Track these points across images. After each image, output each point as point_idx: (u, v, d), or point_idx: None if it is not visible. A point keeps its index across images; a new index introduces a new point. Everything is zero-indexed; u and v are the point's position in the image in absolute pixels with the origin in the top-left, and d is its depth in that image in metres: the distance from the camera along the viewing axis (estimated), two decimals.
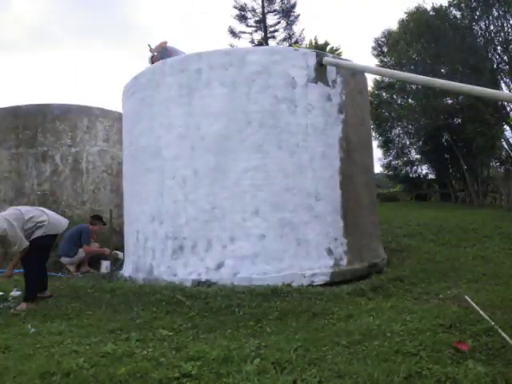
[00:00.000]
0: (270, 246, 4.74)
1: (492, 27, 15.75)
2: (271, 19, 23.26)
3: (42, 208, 5.03)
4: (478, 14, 15.74)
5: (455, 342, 2.75)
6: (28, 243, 4.44)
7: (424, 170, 23.88)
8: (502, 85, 16.28)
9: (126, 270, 5.77)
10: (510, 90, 15.79)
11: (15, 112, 8.03)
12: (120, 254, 6.56)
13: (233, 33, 23.13)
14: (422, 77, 4.97)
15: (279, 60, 5.01)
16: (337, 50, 16.79)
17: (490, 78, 14.73)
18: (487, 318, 3.16)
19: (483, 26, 15.98)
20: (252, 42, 23.15)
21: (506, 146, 18.25)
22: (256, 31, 23.40)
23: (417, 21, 17.09)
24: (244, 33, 23.31)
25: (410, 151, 23.87)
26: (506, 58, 15.75)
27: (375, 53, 21.95)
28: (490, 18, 15.60)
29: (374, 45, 21.91)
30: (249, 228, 4.76)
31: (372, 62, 22.98)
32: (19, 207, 4.82)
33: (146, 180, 5.40)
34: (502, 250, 6.80)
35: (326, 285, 4.62)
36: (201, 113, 5.01)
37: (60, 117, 8.02)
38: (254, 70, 4.95)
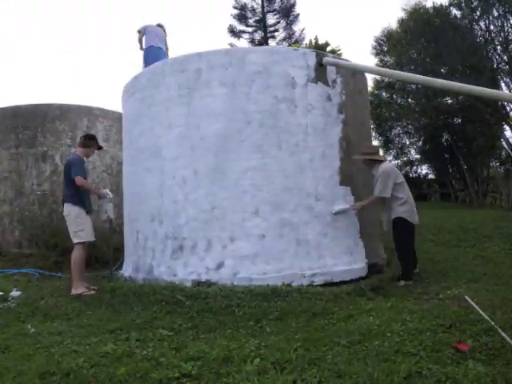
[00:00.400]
0: (270, 246, 4.74)
1: (492, 27, 15.78)
2: (271, 19, 23.31)
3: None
4: (478, 13, 15.75)
5: (455, 341, 2.75)
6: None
7: (424, 169, 23.93)
8: (502, 85, 16.30)
9: (126, 270, 5.77)
10: (510, 90, 15.80)
11: (15, 112, 8.03)
12: (109, 193, 5.64)
13: (233, 32, 23.16)
14: (421, 77, 4.98)
15: (279, 60, 5.01)
16: (337, 50, 16.76)
17: (490, 78, 14.74)
18: (487, 318, 3.16)
19: (483, 26, 16.00)
20: (252, 41, 23.18)
21: (505, 146, 18.28)
22: (256, 31, 23.44)
23: (417, 20, 17.10)
24: (244, 32, 23.36)
25: (409, 151, 23.92)
26: (505, 57, 15.76)
27: (375, 52, 21.98)
28: (490, 17, 15.62)
29: (374, 44, 21.94)
30: (249, 228, 4.76)
31: (372, 61, 22.98)
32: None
33: (146, 180, 5.40)
34: (502, 249, 6.81)
35: (325, 285, 4.62)
36: (201, 113, 5.01)
37: (60, 117, 8.02)
38: (253, 70, 4.95)
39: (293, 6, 22.99)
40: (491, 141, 17.88)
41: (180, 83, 5.13)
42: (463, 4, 15.80)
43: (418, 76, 5.16)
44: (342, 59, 5.93)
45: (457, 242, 7.62)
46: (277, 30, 23.37)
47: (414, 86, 17.93)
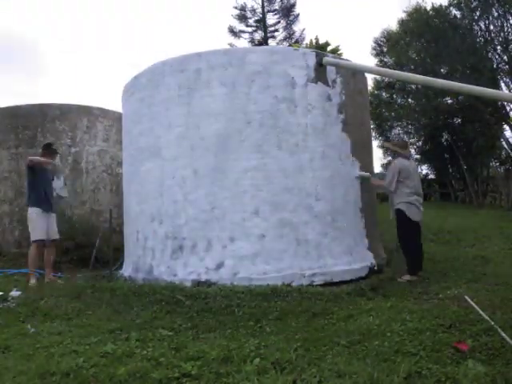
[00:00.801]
0: (270, 245, 4.74)
1: (492, 27, 15.77)
2: (271, 19, 23.30)
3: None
4: (477, 13, 15.75)
5: (455, 341, 2.75)
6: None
7: (424, 169, 23.87)
8: (502, 85, 16.30)
9: (126, 270, 5.77)
10: (509, 90, 15.80)
11: (15, 112, 8.04)
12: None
13: (233, 32, 23.15)
14: (421, 77, 4.98)
15: (279, 60, 5.01)
16: (337, 50, 16.78)
17: (490, 78, 14.74)
18: (487, 318, 3.16)
19: (483, 26, 16.00)
20: (252, 41, 23.17)
21: (505, 146, 18.27)
22: (256, 31, 23.43)
23: (417, 20, 17.10)
24: (244, 32, 23.35)
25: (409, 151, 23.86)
26: (505, 57, 15.76)
27: (375, 53, 21.97)
28: (490, 17, 15.62)
29: (373, 44, 21.93)
30: (249, 228, 4.76)
31: (372, 61, 22.95)
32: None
33: (146, 180, 5.40)
34: (502, 249, 6.81)
35: (325, 285, 4.62)
36: (201, 113, 5.01)
37: (60, 117, 8.02)
38: (253, 70, 4.95)
39: (293, 5, 22.99)
40: (491, 141, 17.87)
41: (180, 83, 5.13)
42: (463, 4, 15.79)
43: (418, 76, 5.16)
44: (342, 59, 5.93)
45: (457, 242, 7.62)
46: (277, 30, 23.36)
47: (413, 86, 17.92)
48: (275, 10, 23.14)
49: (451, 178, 20.99)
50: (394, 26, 20.92)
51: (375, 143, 22.23)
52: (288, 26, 23.18)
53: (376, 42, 21.87)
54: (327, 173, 5.01)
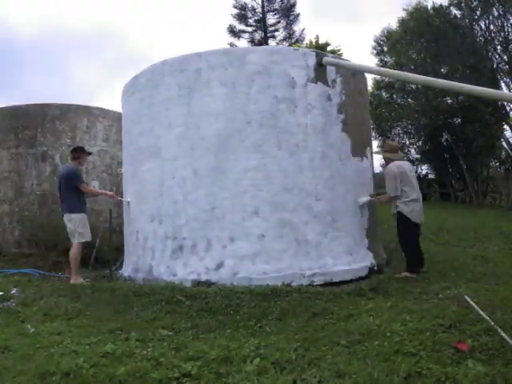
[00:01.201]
0: (270, 245, 4.74)
1: (492, 27, 15.78)
2: (271, 19, 23.32)
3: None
4: (478, 13, 15.75)
5: (455, 341, 2.75)
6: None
7: (424, 169, 23.86)
8: (502, 84, 16.30)
9: (126, 270, 5.77)
10: (509, 90, 15.80)
11: (15, 112, 8.03)
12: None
13: (233, 32, 23.16)
14: (422, 77, 4.97)
15: (279, 60, 5.01)
16: (338, 50, 16.81)
17: (490, 78, 14.75)
18: (487, 317, 3.16)
19: (483, 26, 16.00)
20: (252, 41, 23.18)
21: (505, 146, 18.28)
22: (256, 31, 23.44)
23: (417, 20, 17.10)
24: (244, 32, 23.37)
25: (409, 151, 23.85)
26: (505, 57, 15.76)
27: (375, 52, 21.98)
28: (490, 17, 15.62)
29: (373, 44, 21.94)
30: (248, 228, 4.76)
31: (372, 61, 22.96)
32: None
33: (146, 180, 5.40)
34: (502, 249, 6.80)
35: (325, 285, 4.62)
36: (200, 113, 5.01)
37: (60, 117, 8.01)
38: (253, 70, 4.95)
39: (293, 5, 23.01)
40: (491, 141, 17.86)
41: (180, 83, 5.13)
42: (463, 4, 15.80)
43: (418, 76, 5.15)
44: (342, 59, 5.93)
45: (457, 242, 7.61)
46: (277, 30, 23.39)
47: (413, 86, 17.92)
48: (275, 10, 23.17)
49: (451, 177, 20.98)
50: (394, 25, 20.95)
51: (375, 143, 22.22)
52: (288, 26, 23.21)
53: (376, 41, 21.91)
54: (327, 173, 5.01)
